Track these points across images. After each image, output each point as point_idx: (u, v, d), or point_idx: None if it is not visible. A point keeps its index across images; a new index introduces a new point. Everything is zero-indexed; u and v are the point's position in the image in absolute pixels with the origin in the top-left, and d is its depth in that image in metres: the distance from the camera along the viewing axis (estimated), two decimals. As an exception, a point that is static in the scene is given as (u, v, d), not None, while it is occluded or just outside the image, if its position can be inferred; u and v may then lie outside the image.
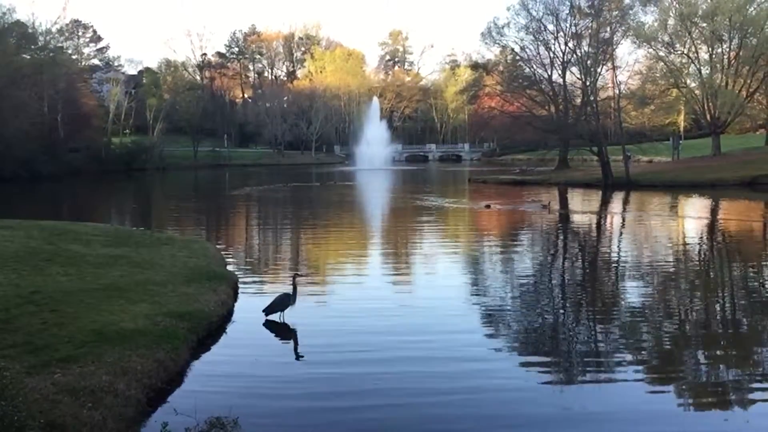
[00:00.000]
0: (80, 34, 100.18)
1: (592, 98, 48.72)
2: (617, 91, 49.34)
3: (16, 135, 55.12)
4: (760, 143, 61.95)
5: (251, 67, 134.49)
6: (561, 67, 57.70)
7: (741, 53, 53.08)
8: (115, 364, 7.51)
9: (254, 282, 14.23)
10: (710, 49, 55.10)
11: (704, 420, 7.31)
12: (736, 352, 9.54)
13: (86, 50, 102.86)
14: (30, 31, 68.51)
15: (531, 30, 57.75)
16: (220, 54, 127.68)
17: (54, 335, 8.25)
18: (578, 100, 55.41)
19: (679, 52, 56.42)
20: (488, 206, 29.46)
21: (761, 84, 54.40)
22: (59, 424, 5.94)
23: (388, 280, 14.96)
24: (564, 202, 34.61)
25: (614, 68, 51.94)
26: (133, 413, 6.81)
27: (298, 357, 9.25)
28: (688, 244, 20.71)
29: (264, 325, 10.53)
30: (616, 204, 33.74)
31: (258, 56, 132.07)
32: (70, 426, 6.00)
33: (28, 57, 66.53)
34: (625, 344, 9.77)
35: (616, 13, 51.97)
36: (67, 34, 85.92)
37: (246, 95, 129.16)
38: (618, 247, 20.29)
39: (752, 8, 52.93)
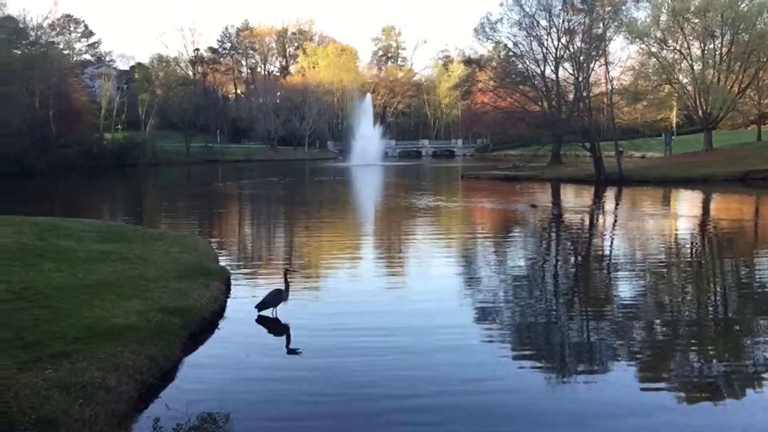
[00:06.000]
0: (72, 29, 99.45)
1: (584, 94, 48.76)
2: (610, 87, 49.36)
3: (6, 131, 54.74)
4: (751, 139, 62.24)
5: (244, 63, 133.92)
6: (554, 62, 57.94)
7: (733, 49, 53.32)
8: (106, 360, 7.49)
9: (247, 277, 14.19)
10: (702, 45, 55.28)
11: (697, 413, 7.34)
12: (730, 345, 9.58)
13: (78, 45, 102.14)
14: (21, 26, 67.91)
15: (524, 26, 57.95)
16: (212, 49, 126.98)
17: (45, 331, 8.20)
18: (571, 96, 55.50)
19: (671, 48, 56.61)
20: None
21: (753, 80, 54.58)
22: (50, 420, 5.93)
23: (381, 274, 14.96)
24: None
25: (607, 64, 52.04)
26: (125, 409, 6.80)
27: (290, 352, 9.25)
28: (680, 239, 20.80)
29: (256, 320, 10.52)
30: (612, 200, 33.79)
31: (251, 52, 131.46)
32: (61, 422, 5.98)
33: (19, 52, 66.02)
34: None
35: (609, 8, 51.99)
36: (58, 29, 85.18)
37: (239, 91, 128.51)
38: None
39: (744, 4, 53.14)
